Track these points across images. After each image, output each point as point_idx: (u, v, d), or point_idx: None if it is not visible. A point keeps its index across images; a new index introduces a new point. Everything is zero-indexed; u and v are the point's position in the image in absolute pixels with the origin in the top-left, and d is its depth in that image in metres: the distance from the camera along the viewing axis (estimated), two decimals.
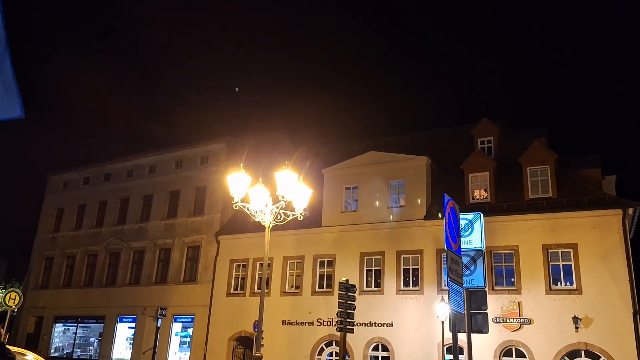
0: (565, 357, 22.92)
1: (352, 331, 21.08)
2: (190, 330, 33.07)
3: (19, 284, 43.61)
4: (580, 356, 22.75)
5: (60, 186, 43.66)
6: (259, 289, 29.84)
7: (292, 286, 30.09)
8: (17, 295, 21.40)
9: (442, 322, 23.72)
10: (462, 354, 18.34)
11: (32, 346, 33.62)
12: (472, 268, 11.65)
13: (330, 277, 28.80)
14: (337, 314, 20.66)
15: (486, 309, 11.53)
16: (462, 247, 11.21)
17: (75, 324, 38.35)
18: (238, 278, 31.92)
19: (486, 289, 11.75)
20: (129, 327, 35.57)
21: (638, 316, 22.11)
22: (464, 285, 11.03)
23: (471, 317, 11.31)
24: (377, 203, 28.60)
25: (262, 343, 14.35)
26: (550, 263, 24.14)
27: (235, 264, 32.11)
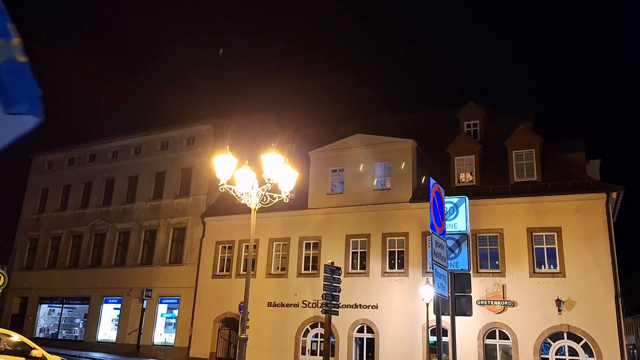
0: (548, 339, 23.19)
1: (337, 313, 21.19)
2: (175, 312, 33.12)
3: (3, 265, 43.45)
4: (563, 338, 23.03)
5: (45, 166, 43.36)
6: (244, 270, 29.89)
7: (278, 268, 30.16)
8: (2, 276, 21.26)
9: (427, 305, 23.89)
10: (446, 335, 18.48)
11: (17, 327, 33.51)
12: (456, 251, 11.71)
13: (315, 259, 28.89)
14: (322, 296, 20.74)
15: (470, 292, 11.61)
16: (446, 230, 11.25)
17: (61, 305, 38.31)
18: (224, 260, 31.94)
19: (470, 272, 11.83)
20: (115, 308, 35.59)
21: (620, 299, 22.37)
22: (448, 269, 11.09)
23: (455, 300, 11.40)
24: (363, 185, 28.64)
25: (247, 324, 14.37)
26: (534, 246, 24.33)
27: (221, 246, 32.12)
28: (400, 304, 26.09)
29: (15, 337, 15.83)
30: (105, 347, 34.28)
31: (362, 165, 28.94)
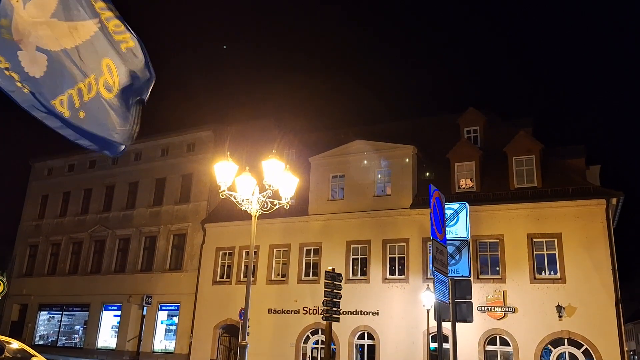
0: (549, 345, 23.15)
1: (337, 320, 21.13)
2: (175, 319, 33.05)
3: (3, 272, 43.40)
4: (564, 344, 22.99)
5: (45, 173, 43.35)
6: (245, 277, 29.85)
7: (278, 274, 30.12)
8: (2, 283, 21.24)
9: (428, 311, 23.84)
10: (447, 342, 18.46)
11: (16, 334, 33.48)
12: (457, 257, 11.71)
13: (316, 266, 28.85)
14: (323, 302, 20.69)
15: (471, 298, 11.61)
16: (447, 236, 11.27)
17: (60, 312, 38.23)
18: (224, 266, 31.90)
19: (471, 279, 11.83)
20: (114, 315, 35.51)
21: (620, 305, 22.35)
22: (449, 275, 11.08)
23: (456, 306, 11.39)
24: (363, 191, 28.64)
25: (248, 331, 14.35)
26: (535, 252, 24.31)
27: (221, 252, 32.08)
28: (401, 310, 26.05)
29: (15, 344, 15.84)
30: (105, 354, 34.20)
31: (362, 171, 28.94)
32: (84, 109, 3.87)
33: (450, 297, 11.17)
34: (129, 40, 3.98)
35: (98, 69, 3.90)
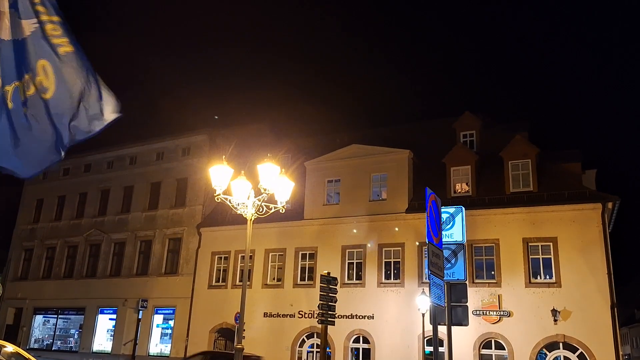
0: (544, 349, 23.17)
1: (333, 323, 21.15)
2: (171, 322, 32.98)
3: None
4: (559, 348, 23.02)
5: (40, 177, 43.09)
6: (240, 281, 29.78)
7: (274, 278, 30.09)
8: None
9: (423, 315, 23.85)
10: (442, 346, 18.45)
11: (11, 338, 33.31)
12: (453, 261, 11.73)
13: (311, 270, 28.83)
14: (318, 306, 20.70)
15: (466, 302, 11.62)
16: (443, 240, 11.28)
17: (55, 316, 38.11)
18: (219, 270, 31.86)
19: (466, 282, 11.85)
20: (110, 319, 35.42)
21: (615, 309, 22.39)
22: (444, 278, 11.10)
23: (451, 309, 11.41)
24: (358, 196, 28.64)
25: (243, 335, 14.34)
26: (530, 256, 24.33)
27: (216, 256, 32.04)
28: (396, 314, 26.05)
29: (10, 348, 15.79)
30: (100, 357, 34.11)
31: (357, 176, 28.94)
32: (28, 105, 3.90)
33: (446, 300, 11.18)
34: (66, 44, 3.96)
35: (33, 70, 3.89)
